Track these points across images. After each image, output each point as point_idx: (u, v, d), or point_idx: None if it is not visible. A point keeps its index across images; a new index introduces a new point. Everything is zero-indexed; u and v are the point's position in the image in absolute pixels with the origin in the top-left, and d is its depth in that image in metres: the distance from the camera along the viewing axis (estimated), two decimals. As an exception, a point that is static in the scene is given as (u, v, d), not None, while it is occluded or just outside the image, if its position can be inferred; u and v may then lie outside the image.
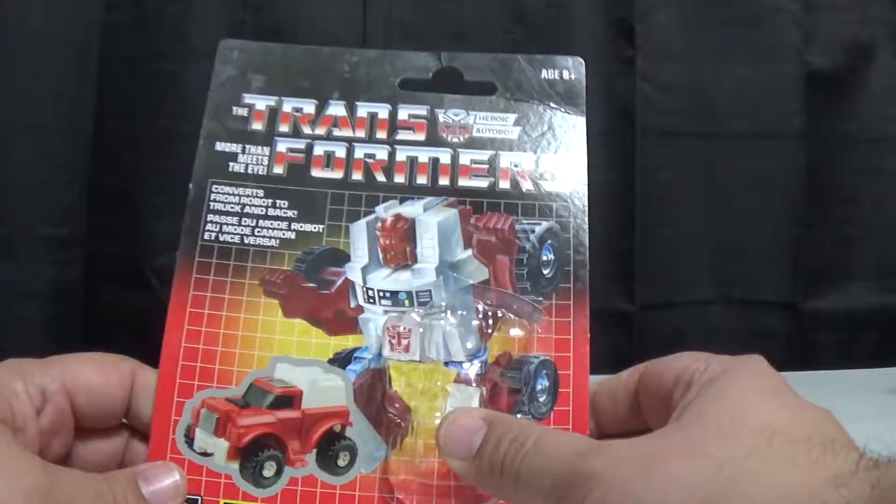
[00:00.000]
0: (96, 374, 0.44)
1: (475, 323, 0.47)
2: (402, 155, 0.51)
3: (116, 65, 0.74)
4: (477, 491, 0.44)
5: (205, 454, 0.44)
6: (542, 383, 0.47)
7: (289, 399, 0.46)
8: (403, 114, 0.51)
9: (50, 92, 0.73)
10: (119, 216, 0.74)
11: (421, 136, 0.51)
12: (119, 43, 0.74)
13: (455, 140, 0.51)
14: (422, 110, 0.51)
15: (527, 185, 0.50)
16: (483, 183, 0.50)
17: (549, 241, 0.49)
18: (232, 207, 0.49)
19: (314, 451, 0.45)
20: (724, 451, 0.31)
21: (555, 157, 0.51)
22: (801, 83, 0.76)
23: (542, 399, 0.46)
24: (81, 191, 0.74)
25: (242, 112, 0.51)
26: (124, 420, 0.46)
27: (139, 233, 0.74)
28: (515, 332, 0.47)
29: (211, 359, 0.46)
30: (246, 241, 0.48)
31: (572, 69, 0.52)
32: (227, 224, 0.49)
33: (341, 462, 0.45)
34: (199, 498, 0.44)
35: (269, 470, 0.44)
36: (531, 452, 0.36)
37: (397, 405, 0.46)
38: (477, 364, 0.46)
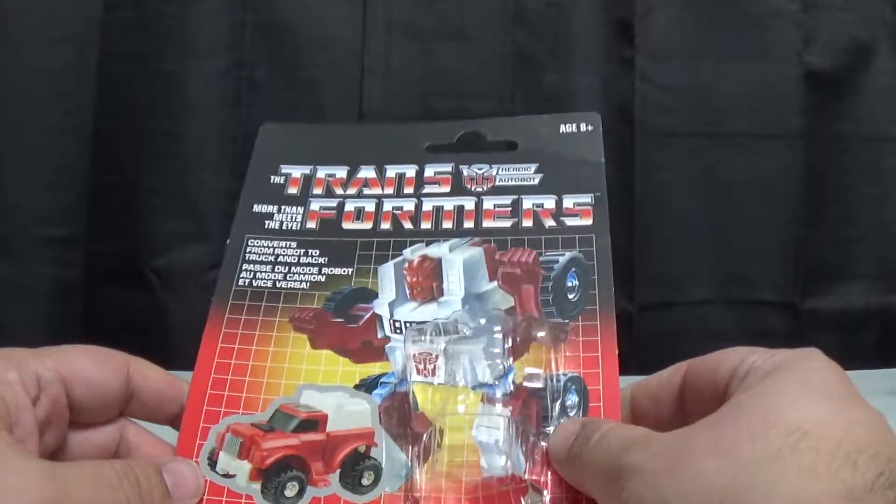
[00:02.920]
0: (91, 365, 0.43)
1: (501, 344, 0.47)
2: (428, 205, 0.53)
3: (116, 65, 0.73)
4: (503, 501, 0.42)
5: (227, 475, 0.44)
6: (572, 399, 0.45)
7: (313, 423, 0.45)
8: (430, 171, 0.54)
9: (50, 92, 0.73)
10: (119, 216, 0.73)
11: (446, 189, 0.53)
12: (119, 43, 0.73)
13: (479, 189, 0.53)
14: (447, 167, 0.54)
15: (549, 223, 0.51)
16: (507, 223, 0.51)
17: (574, 269, 0.49)
18: (266, 258, 0.51)
19: (338, 471, 0.44)
20: (749, 451, 0.31)
21: (576, 197, 0.52)
22: (801, 83, 0.76)
23: (572, 414, 0.44)
24: (81, 191, 0.73)
25: (279, 180, 0.54)
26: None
27: (139, 233, 0.73)
28: (542, 351, 0.46)
29: (238, 388, 0.46)
30: (278, 286, 0.50)
31: (589, 122, 0.55)
32: (261, 271, 0.51)
33: (365, 481, 0.43)
34: (220, 518, 0.43)
35: (290, 490, 0.43)
36: (594, 446, 0.38)
37: (423, 425, 0.45)
38: (504, 385, 0.45)
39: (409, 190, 0.54)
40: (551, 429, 0.44)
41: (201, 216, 0.74)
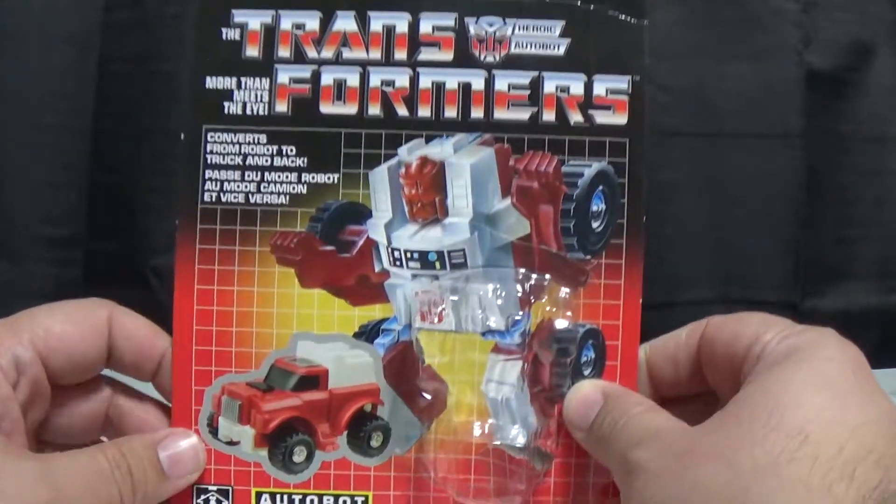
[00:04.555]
0: (72, 330, 0.40)
1: (515, 286, 0.42)
2: (426, 80, 0.42)
3: (116, 65, 0.70)
4: (514, 468, 0.42)
5: (231, 443, 0.42)
6: (588, 355, 0.43)
7: (314, 379, 0.43)
8: (426, 26, 0.42)
9: (50, 92, 0.70)
10: (119, 216, 0.71)
11: (448, 55, 0.42)
12: (119, 43, 0.70)
13: (489, 59, 0.42)
14: (448, 20, 0.42)
15: (576, 117, 0.42)
16: (523, 114, 0.42)
17: (601, 187, 0.42)
18: (232, 159, 0.42)
19: (345, 433, 0.43)
20: (748, 458, 0.31)
21: (610, 80, 0.42)
22: (800, 83, 0.72)
23: (586, 372, 0.42)
24: (81, 191, 0.71)
25: (233, 35, 0.42)
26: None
27: (139, 233, 0.71)
28: (559, 296, 0.42)
29: (226, 341, 0.42)
30: (252, 200, 0.42)
31: (633, -39, 0.42)
32: (229, 181, 0.42)
33: (374, 443, 0.43)
34: (231, 488, 0.42)
35: (299, 455, 0.42)
36: (619, 432, 0.38)
37: (431, 380, 0.43)
38: (517, 332, 0.42)
39: (400, 55, 0.42)
40: (565, 389, 0.42)
41: None
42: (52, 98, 0.70)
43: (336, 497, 0.43)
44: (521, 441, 0.42)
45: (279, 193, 0.42)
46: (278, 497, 0.43)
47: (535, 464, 0.42)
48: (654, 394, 0.43)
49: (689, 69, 0.70)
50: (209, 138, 0.42)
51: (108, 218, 0.71)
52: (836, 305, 0.74)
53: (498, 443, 0.42)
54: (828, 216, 0.75)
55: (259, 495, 0.43)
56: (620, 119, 0.42)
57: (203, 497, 0.42)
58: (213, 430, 0.42)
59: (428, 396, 0.42)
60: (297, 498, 0.43)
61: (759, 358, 0.37)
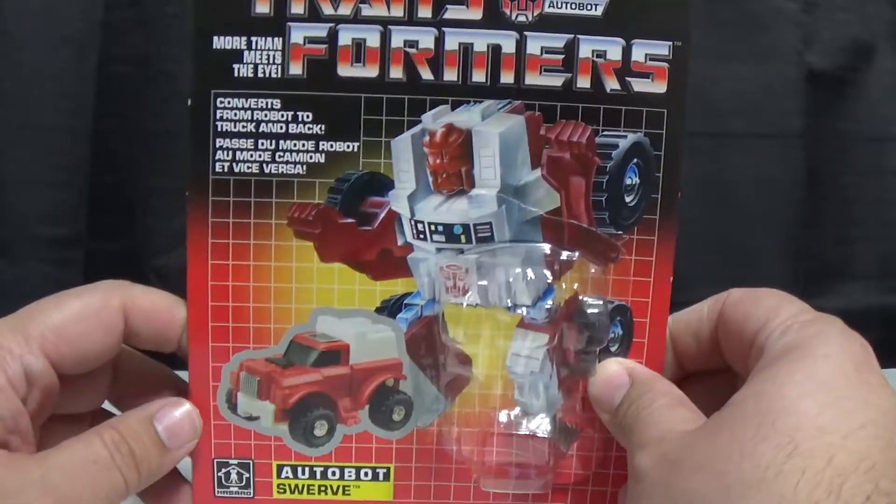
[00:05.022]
0: (81, 327, 0.39)
1: (542, 259, 0.41)
2: (452, 41, 0.39)
3: (116, 65, 0.71)
4: (537, 444, 0.42)
5: (250, 418, 0.41)
6: (615, 331, 0.42)
7: (335, 355, 0.41)
8: None
9: (50, 92, 0.70)
10: (119, 216, 0.72)
11: (477, 14, 0.39)
12: (119, 43, 0.70)
13: (521, 19, 0.39)
14: None
15: (612, 84, 0.39)
16: (557, 80, 0.39)
17: (636, 160, 0.40)
18: (244, 126, 0.39)
19: (367, 407, 0.42)
20: (736, 471, 0.31)
21: (650, 45, 0.39)
22: (801, 83, 0.74)
23: (613, 349, 0.41)
24: (81, 190, 0.71)
25: (241, -13, 0.38)
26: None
27: (139, 233, 0.71)
28: (589, 272, 0.41)
29: (244, 317, 0.41)
30: (266, 170, 0.40)
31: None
32: (241, 150, 0.39)
33: (396, 417, 0.42)
34: (251, 461, 0.42)
35: (320, 429, 0.42)
36: (637, 426, 0.38)
37: (455, 354, 0.42)
38: (544, 308, 0.41)
39: (424, 12, 0.38)
40: (592, 366, 0.41)
41: None
42: (52, 98, 0.70)
43: (358, 469, 0.43)
44: (546, 429, 0.41)
45: (295, 163, 0.40)
46: (299, 469, 0.42)
47: (561, 444, 0.42)
48: (678, 368, 0.43)
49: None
50: (218, 104, 0.39)
51: (109, 218, 0.72)
52: (836, 305, 0.74)
53: (520, 411, 0.42)
54: (828, 216, 0.77)
55: (280, 468, 0.42)
56: (660, 88, 0.39)
57: (224, 470, 0.42)
58: (232, 405, 0.41)
59: (453, 371, 0.42)
60: (318, 469, 0.42)
61: (763, 350, 0.36)
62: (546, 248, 0.40)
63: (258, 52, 0.39)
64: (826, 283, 0.77)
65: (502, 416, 0.41)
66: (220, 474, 0.42)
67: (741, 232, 0.75)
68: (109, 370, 0.42)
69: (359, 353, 0.41)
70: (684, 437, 0.35)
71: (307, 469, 0.42)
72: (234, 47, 0.39)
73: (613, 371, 0.40)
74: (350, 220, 0.40)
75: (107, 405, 0.43)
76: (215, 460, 0.42)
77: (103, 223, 0.72)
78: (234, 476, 0.42)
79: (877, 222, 0.77)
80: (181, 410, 0.40)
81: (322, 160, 0.40)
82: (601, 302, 0.41)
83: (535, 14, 0.39)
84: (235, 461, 0.42)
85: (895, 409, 0.33)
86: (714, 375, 0.42)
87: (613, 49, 0.39)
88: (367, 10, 0.39)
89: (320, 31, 0.39)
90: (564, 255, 0.40)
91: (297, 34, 0.39)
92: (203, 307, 0.40)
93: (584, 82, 0.39)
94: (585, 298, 0.41)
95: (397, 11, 0.39)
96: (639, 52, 0.39)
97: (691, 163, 0.70)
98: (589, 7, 0.39)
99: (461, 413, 0.42)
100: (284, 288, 0.41)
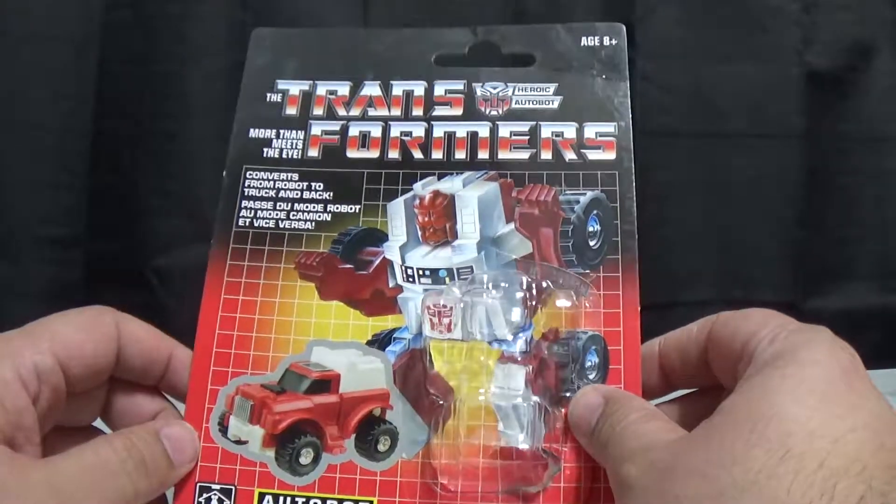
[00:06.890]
0: (85, 339, 0.41)
1: (519, 296, 0.45)
2: (439, 131, 0.49)
3: (116, 65, 0.73)
4: (522, 472, 0.42)
5: (239, 442, 0.43)
6: (592, 359, 0.44)
7: (326, 383, 0.44)
8: (440, 90, 0.50)
9: (50, 92, 0.73)
10: (119, 216, 0.73)
11: (458, 111, 0.49)
12: (119, 43, 0.73)
13: (494, 113, 0.49)
14: (458, 85, 0.50)
15: (570, 155, 0.47)
16: (524, 154, 0.48)
17: (595, 212, 0.46)
18: (266, 192, 0.48)
19: (353, 437, 0.43)
20: (727, 477, 0.31)
21: (598, 126, 0.48)
22: (801, 83, 0.75)
23: (591, 376, 0.43)
24: (81, 191, 0.73)
25: (276, 98, 0.50)
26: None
27: (139, 233, 0.73)
28: (562, 304, 0.45)
29: (245, 345, 0.45)
30: (281, 226, 0.47)
31: (613, 35, 0.50)
32: (262, 210, 0.47)
33: (381, 447, 0.43)
34: (234, 487, 0.42)
35: (305, 457, 0.43)
36: (615, 440, 0.38)
37: (439, 386, 0.44)
38: (522, 340, 0.44)
39: (417, 111, 0.49)
40: (570, 394, 0.43)
41: (201, 216, 0.71)
42: (52, 98, 0.71)
43: (340, 501, 0.42)
44: (526, 444, 0.41)
45: (306, 220, 0.47)
46: (281, 498, 0.42)
47: (545, 476, 0.42)
48: (665, 384, 0.44)
49: (689, 69, 0.72)
50: (247, 175, 0.48)
51: (109, 218, 0.72)
52: (836, 305, 0.72)
53: (504, 442, 0.42)
54: (828, 216, 0.75)
55: (262, 496, 0.42)
56: (609, 155, 0.47)
57: (206, 496, 0.42)
58: (223, 428, 0.43)
59: (437, 402, 0.43)
60: (300, 500, 0.42)
61: (752, 358, 0.37)
62: (524, 280, 0.45)
63: (284, 140, 0.49)
64: (826, 284, 0.74)
65: (482, 432, 0.42)
66: (200, 499, 0.42)
67: (741, 232, 0.73)
68: (105, 384, 0.44)
69: (349, 383, 0.44)
70: (673, 445, 0.35)
71: (289, 499, 0.42)
72: (265, 136, 0.49)
73: (589, 395, 0.42)
74: (349, 266, 0.46)
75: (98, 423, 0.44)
76: (198, 485, 0.42)
77: (103, 223, 0.70)
78: (214, 502, 0.42)
79: (877, 222, 0.75)
80: (185, 428, 0.42)
81: (328, 218, 0.47)
82: (576, 333, 0.44)
83: (504, 109, 0.49)
84: (218, 486, 0.42)
85: (884, 414, 0.33)
86: (703, 393, 0.43)
87: (569, 130, 0.48)
88: (372, 112, 0.49)
89: (335, 125, 0.49)
90: (539, 287, 0.44)
91: (317, 128, 0.49)
92: (210, 334, 0.44)
93: (546, 154, 0.48)
94: (561, 331, 0.44)
95: (396, 112, 0.49)
96: (590, 130, 0.48)
97: (691, 163, 0.70)
98: (547, 102, 0.49)
99: (444, 443, 0.42)
100: (285, 321, 0.45)
